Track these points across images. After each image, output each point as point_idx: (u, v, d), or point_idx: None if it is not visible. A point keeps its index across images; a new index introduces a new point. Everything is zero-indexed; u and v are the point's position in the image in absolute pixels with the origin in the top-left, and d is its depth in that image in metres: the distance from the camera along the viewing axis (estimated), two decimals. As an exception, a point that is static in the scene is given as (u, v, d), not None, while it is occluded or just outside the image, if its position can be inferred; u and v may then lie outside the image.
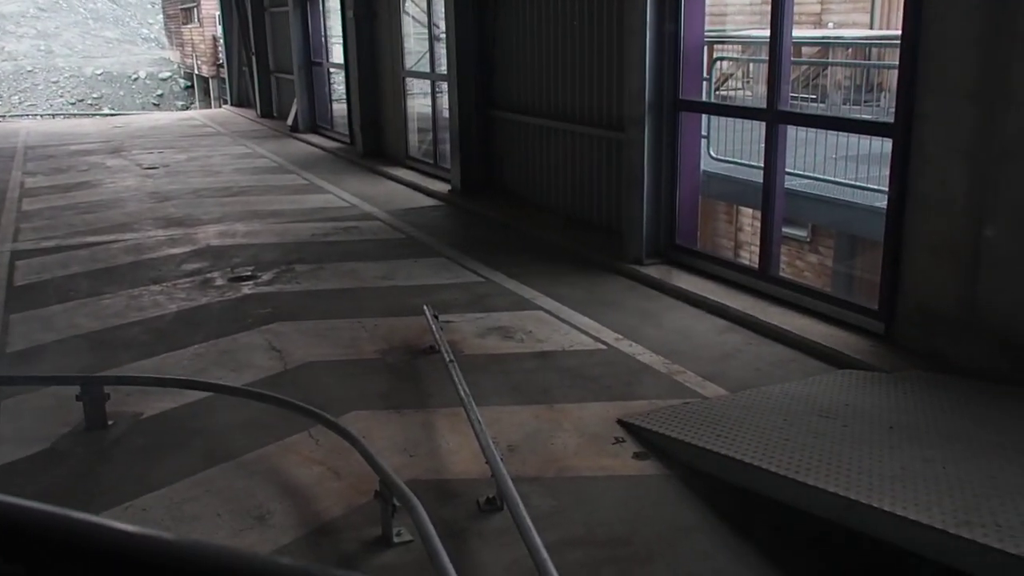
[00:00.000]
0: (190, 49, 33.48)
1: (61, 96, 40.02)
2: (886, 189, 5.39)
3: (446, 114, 10.62)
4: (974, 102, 4.45)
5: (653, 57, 6.66)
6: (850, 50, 14.02)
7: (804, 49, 13.80)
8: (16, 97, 39.56)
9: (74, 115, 33.98)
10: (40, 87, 40.45)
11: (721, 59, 12.16)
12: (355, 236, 8.52)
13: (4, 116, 30.74)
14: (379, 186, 11.23)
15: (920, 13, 4.66)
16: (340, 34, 14.15)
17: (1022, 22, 4.18)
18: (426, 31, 11.60)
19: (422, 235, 8.49)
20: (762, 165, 6.16)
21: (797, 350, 5.26)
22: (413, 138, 12.48)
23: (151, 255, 7.91)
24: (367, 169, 12.39)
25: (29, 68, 41.50)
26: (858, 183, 8.21)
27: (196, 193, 10.92)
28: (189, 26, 33.28)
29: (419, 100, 12.53)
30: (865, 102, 13.79)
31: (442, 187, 10.53)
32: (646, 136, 6.75)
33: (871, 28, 15.76)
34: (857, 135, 7.65)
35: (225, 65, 23.42)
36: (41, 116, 31.75)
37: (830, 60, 13.64)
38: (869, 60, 13.45)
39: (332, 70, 16.13)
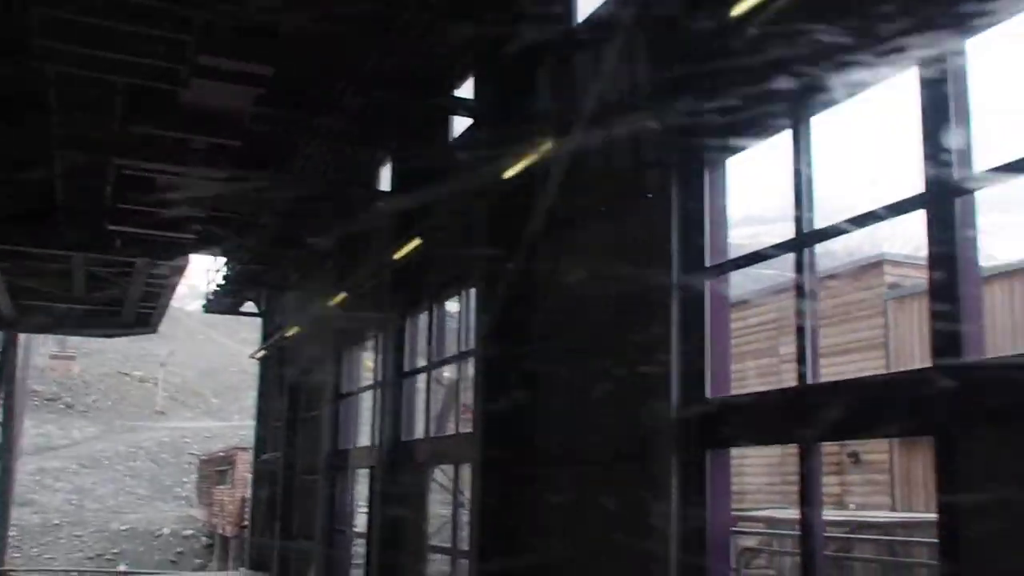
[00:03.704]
0: (218, 509, 33.95)
1: (81, 551, 39.88)
2: None
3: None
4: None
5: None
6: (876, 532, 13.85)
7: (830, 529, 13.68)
8: (36, 550, 39.41)
9: (88, 571, 33.65)
10: (63, 541, 40.48)
11: (746, 549, 12.00)
12: None
13: (14, 571, 30.20)
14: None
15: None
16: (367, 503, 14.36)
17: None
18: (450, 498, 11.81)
19: None
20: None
21: None
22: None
23: None
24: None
25: (56, 522, 41.89)
26: None
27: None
28: (221, 487, 34.08)
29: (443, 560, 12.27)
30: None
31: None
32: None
33: (893, 510, 15.75)
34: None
35: (249, 527, 23.53)
36: (54, 571, 31.34)
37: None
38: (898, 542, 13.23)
39: (355, 539, 16.11)
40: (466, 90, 11.90)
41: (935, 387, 4.79)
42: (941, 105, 4.85)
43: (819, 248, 5.88)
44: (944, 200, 4.79)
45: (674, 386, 6.83)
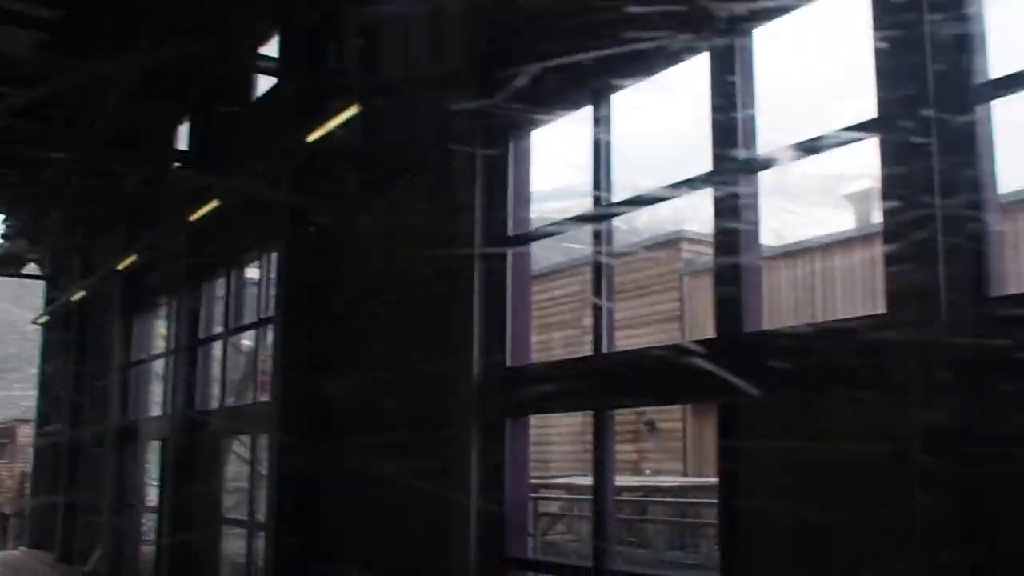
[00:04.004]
0: (-6, 484, 31.83)
1: None
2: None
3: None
4: None
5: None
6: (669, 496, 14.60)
7: (626, 495, 14.29)
8: None
9: None
10: None
11: (546, 514, 12.36)
12: None
13: None
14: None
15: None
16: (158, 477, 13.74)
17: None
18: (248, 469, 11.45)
19: None
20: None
21: None
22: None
23: None
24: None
25: None
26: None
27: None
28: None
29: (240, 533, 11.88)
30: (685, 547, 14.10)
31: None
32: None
33: (685, 475, 16.65)
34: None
35: (30, 503, 22.09)
36: None
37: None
38: (688, 504, 13.99)
39: (146, 514, 15.37)
40: (271, 48, 11.43)
41: (716, 356, 5.02)
42: (728, 87, 5.05)
43: (627, 224, 6.03)
44: (729, 179, 5.00)
45: (475, 354, 6.85)
